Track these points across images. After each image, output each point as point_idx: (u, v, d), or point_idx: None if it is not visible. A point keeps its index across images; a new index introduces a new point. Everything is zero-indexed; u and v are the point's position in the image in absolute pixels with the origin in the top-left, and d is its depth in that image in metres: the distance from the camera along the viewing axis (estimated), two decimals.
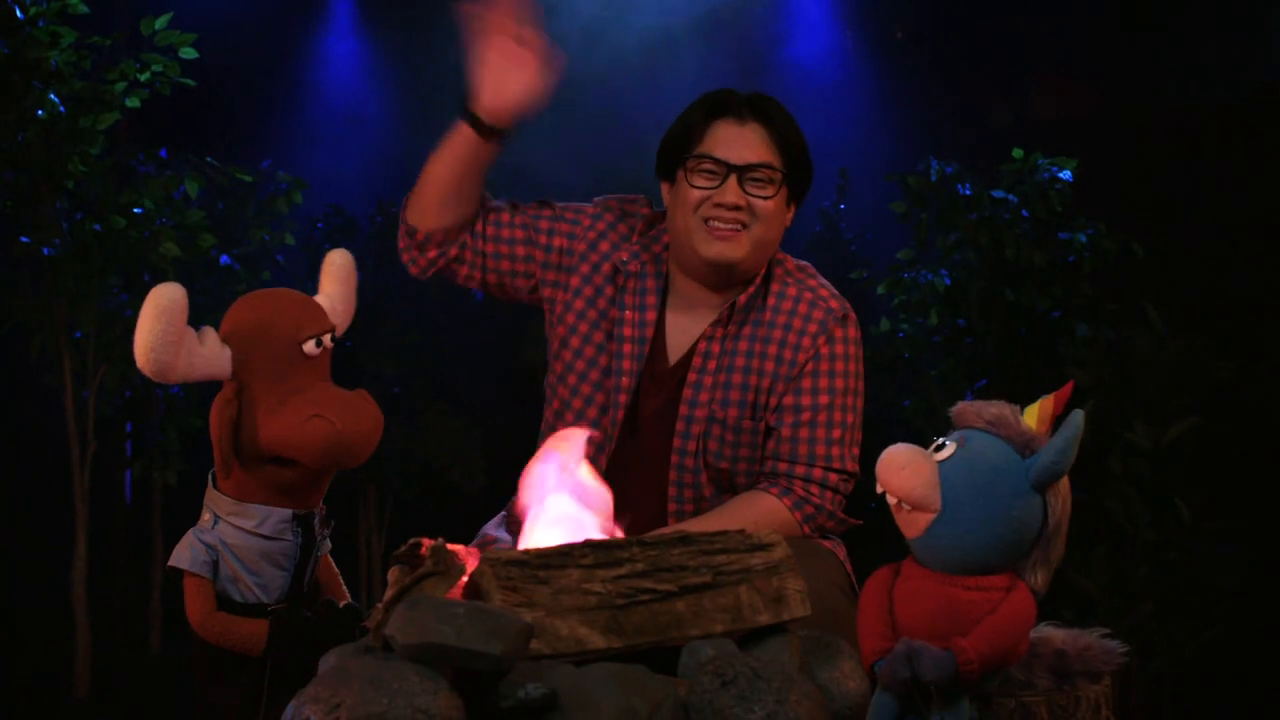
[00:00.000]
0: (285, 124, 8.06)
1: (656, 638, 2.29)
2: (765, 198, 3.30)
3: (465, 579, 2.32)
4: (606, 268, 3.44)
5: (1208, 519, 5.22)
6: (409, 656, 2.05)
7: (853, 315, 3.43)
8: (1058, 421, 2.49)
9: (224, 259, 6.33)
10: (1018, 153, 5.75)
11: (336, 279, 3.00)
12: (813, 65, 8.09)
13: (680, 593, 2.31)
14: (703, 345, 3.37)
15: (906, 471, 2.44)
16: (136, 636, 6.63)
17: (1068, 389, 2.57)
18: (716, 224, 3.29)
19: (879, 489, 2.48)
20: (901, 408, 6.08)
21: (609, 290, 3.43)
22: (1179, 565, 5.22)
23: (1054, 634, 2.68)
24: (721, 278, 3.36)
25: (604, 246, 3.45)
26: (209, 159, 6.27)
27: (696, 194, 3.31)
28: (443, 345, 7.30)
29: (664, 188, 3.43)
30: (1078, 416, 2.46)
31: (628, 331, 3.39)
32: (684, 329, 3.42)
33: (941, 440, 2.50)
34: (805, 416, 3.34)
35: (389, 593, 2.23)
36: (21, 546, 6.18)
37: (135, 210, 5.59)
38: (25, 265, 5.60)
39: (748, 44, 8.05)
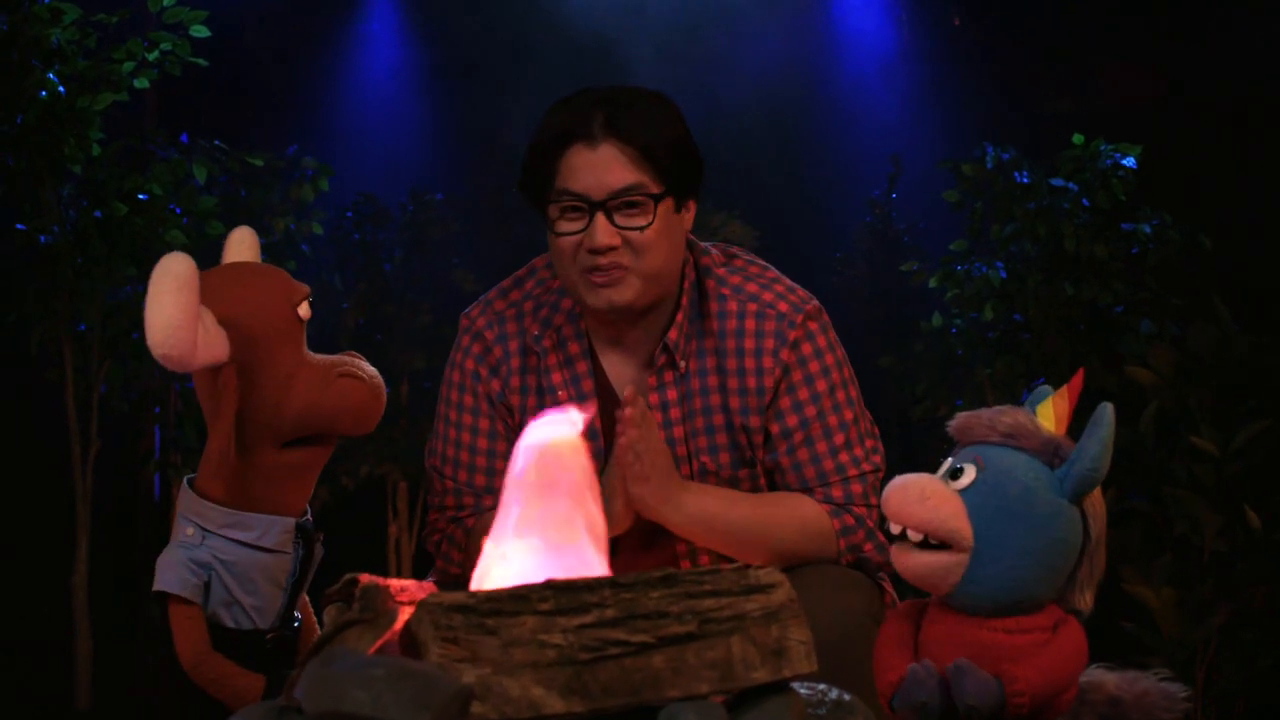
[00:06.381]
0: (315, 109, 7.94)
1: (628, 700, 1.93)
2: (641, 228, 2.91)
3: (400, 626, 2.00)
4: (515, 345, 3.11)
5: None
6: None
7: (811, 306, 3.05)
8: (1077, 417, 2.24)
9: None
10: (1078, 138, 5.62)
11: None
12: (866, 48, 7.94)
13: (658, 645, 1.93)
14: (655, 398, 3.03)
15: (931, 502, 2.15)
16: (143, 644, 6.45)
17: (1079, 379, 2.30)
18: (596, 272, 2.92)
19: (894, 527, 2.19)
20: (953, 408, 5.93)
21: (533, 367, 3.10)
22: (1248, 577, 5.05)
23: (1106, 678, 2.37)
24: (629, 317, 3.01)
25: (511, 345, 3.12)
26: (217, 142, 6.07)
27: (567, 243, 2.93)
28: None
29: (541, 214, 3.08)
30: (1106, 411, 2.19)
31: (562, 395, 3.04)
32: (630, 377, 3.08)
33: (952, 464, 2.20)
34: (798, 438, 3.00)
35: (314, 640, 1.93)
36: (21, 551, 6.05)
37: (141, 196, 5.39)
38: (25, 254, 5.40)
39: (801, 24, 7.89)
